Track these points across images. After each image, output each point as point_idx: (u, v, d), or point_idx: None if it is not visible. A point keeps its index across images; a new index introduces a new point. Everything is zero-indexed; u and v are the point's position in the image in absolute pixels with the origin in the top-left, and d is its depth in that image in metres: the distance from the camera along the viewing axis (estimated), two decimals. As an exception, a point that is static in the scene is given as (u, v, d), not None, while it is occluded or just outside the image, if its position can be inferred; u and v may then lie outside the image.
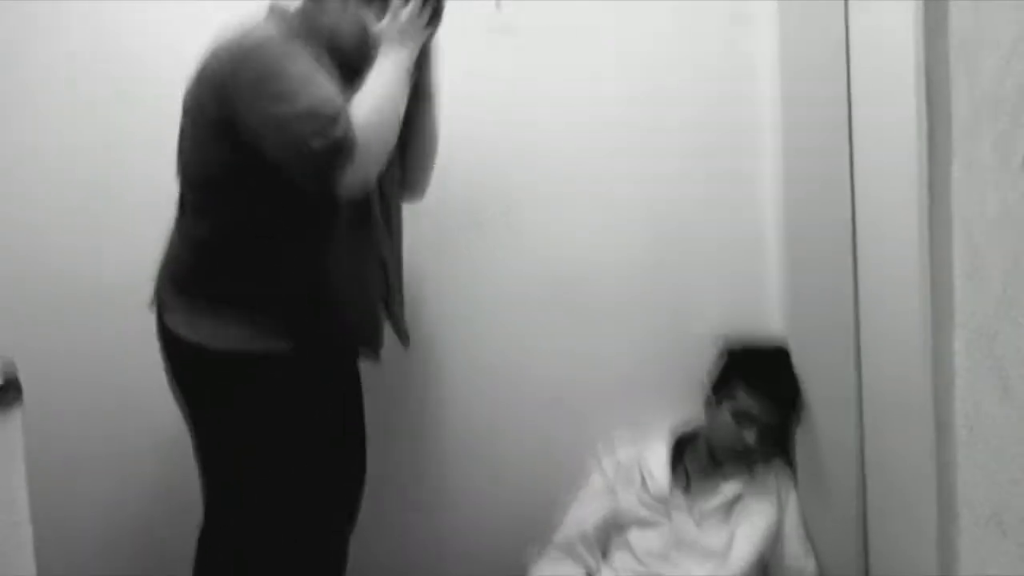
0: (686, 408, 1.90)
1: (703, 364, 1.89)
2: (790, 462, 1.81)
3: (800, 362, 1.76)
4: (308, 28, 1.49)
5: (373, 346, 1.62)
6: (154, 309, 1.55)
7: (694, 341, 1.91)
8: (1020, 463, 0.88)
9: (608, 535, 1.81)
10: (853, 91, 1.59)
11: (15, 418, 0.92)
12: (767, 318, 1.88)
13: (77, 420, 2.01)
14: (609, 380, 1.96)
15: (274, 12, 1.52)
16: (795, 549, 1.72)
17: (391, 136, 1.44)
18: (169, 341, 1.52)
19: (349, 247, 1.52)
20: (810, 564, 1.73)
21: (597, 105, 1.90)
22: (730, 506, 1.75)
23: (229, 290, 1.47)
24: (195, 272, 1.50)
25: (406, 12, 1.48)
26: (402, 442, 2.05)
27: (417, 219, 1.98)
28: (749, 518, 1.73)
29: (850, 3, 1.57)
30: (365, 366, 1.93)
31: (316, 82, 1.38)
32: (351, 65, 1.49)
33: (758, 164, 1.86)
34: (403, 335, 1.70)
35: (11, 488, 0.91)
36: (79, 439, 2.02)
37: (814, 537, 1.74)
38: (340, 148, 1.33)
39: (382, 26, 1.49)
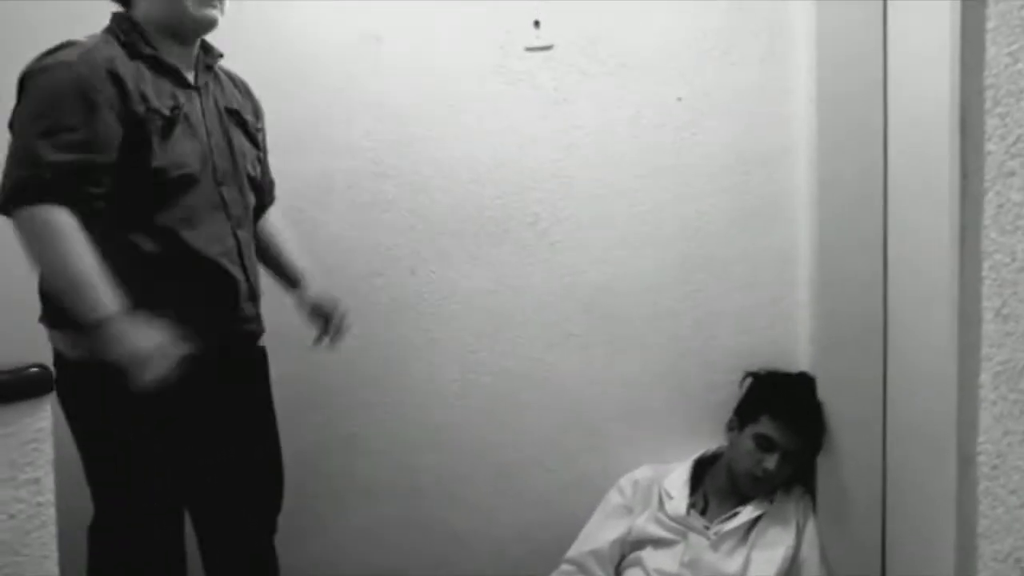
0: (708, 431, 1.90)
1: (728, 388, 1.89)
2: (810, 489, 1.80)
3: (826, 389, 1.75)
4: (133, 26, 1.47)
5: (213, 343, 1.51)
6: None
7: (719, 364, 1.91)
8: (1042, 500, 0.89)
9: (622, 553, 1.80)
10: (889, 125, 1.59)
11: (45, 405, 0.96)
12: (795, 344, 1.88)
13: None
14: (632, 399, 1.96)
15: (113, 23, 1.49)
16: (812, 577, 1.72)
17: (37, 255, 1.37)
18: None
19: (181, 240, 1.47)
20: (827, 593, 1.72)
21: (630, 121, 1.91)
22: (747, 530, 1.73)
23: (47, 298, 1.47)
24: (40, 287, 1.49)
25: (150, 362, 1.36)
26: (423, 454, 2.06)
27: (447, 229, 2.02)
28: (766, 543, 1.72)
29: (889, 37, 1.58)
30: (397, 375, 1.95)
31: (61, 140, 1.34)
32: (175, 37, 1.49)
33: (791, 188, 1.85)
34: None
35: (38, 468, 0.94)
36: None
37: (833, 566, 1.72)
38: (15, 198, 1.33)
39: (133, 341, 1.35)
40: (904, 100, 1.50)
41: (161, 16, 1.47)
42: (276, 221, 1.75)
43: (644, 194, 1.92)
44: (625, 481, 1.88)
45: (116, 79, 1.40)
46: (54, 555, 0.97)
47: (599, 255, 1.95)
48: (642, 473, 1.88)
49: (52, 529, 0.96)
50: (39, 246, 1.35)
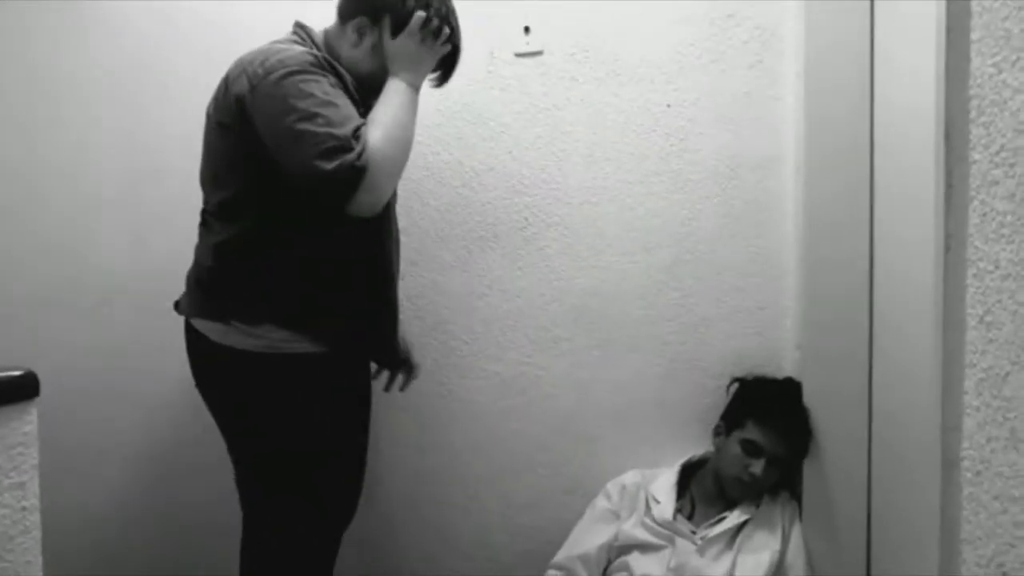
0: (695, 436, 1.90)
1: (715, 393, 1.90)
2: (796, 495, 1.81)
3: (812, 395, 1.76)
4: (330, 53, 1.54)
5: (387, 356, 1.71)
6: (180, 312, 1.61)
7: (707, 369, 1.92)
8: (1024, 506, 0.90)
9: (609, 558, 1.81)
10: (876, 133, 1.60)
11: (31, 410, 0.95)
12: (782, 350, 1.89)
13: (98, 412, 2.05)
14: (619, 404, 1.96)
15: (299, 32, 1.57)
16: (797, 582, 1.72)
17: (402, 160, 1.48)
18: (196, 343, 1.57)
19: (367, 257, 1.56)
20: (812, 598, 1.73)
21: (619, 128, 1.92)
22: (734, 535, 1.74)
23: (254, 296, 1.50)
24: (221, 278, 1.53)
25: (421, 35, 1.52)
26: (409, 457, 2.07)
27: (437, 233, 2.02)
28: (752, 548, 1.72)
29: (876, 46, 1.59)
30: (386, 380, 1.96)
31: (336, 104, 1.41)
32: (367, 92, 1.55)
33: (778, 194, 1.86)
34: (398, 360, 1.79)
35: (23, 473, 0.94)
36: (99, 431, 2.05)
37: (818, 570, 1.73)
38: (352, 171, 1.36)
39: (395, 46, 1.52)
40: (890, 109, 1.51)
41: (354, 69, 1.54)
42: None
43: (633, 200, 1.93)
44: (612, 486, 1.89)
45: (340, 77, 1.48)
46: (38, 560, 0.96)
47: (588, 260, 1.96)
48: (629, 478, 1.89)
49: (37, 535, 0.96)
50: (401, 151, 1.47)
